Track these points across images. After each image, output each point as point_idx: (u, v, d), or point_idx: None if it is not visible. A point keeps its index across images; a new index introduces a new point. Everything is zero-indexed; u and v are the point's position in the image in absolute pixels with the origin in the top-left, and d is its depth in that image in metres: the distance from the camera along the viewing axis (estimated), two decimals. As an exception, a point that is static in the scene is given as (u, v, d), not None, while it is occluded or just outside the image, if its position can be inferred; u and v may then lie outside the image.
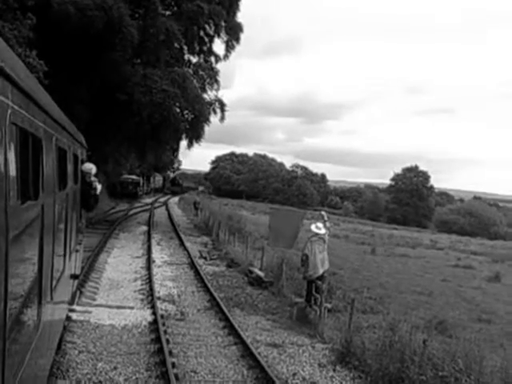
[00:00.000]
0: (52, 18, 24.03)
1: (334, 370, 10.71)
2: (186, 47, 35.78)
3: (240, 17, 37.09)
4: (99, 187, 10.02)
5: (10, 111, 2.97)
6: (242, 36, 37.17)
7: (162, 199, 76.49)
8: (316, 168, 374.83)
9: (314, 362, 11.15)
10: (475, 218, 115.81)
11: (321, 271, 14.54)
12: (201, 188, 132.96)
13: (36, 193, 4.14)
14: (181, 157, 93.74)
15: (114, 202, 56.24)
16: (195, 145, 36.07)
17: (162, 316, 13.42)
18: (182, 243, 28.37)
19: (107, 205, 47.73)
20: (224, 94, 46.09)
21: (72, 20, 24.78)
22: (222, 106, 36.67)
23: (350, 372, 10.61)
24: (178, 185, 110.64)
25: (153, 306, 14.36)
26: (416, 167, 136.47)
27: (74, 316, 12.40)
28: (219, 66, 38.39)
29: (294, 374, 10.35)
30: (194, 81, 35.01)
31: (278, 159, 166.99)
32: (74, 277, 8.93)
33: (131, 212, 48.03)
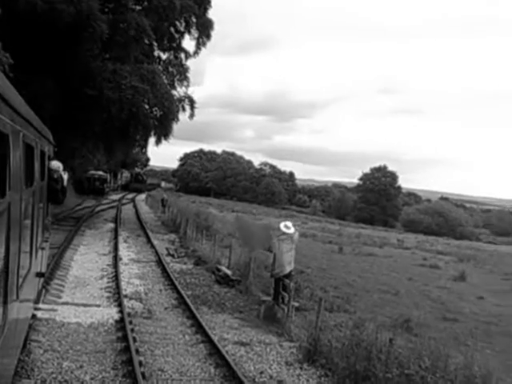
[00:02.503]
0: (19, 11, 23.61)
1: (301, 369, 10.76)
2: (155, 43, 35.57)
3: (211, 14, 37.05)
4: (66, 177, 9.89)
5: None
6: (214, 33, 37.22)
7: (130, 196, 75.97)
8: (285, 166, 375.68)
9: (282, 361, 11.18)
10: (442, 218, 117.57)
11: (287, 270, 14.60)
12: (163, 184, 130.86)
13: (3, 190, 4.07)
14: (149, 153, 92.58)
15: (81, 198, 55.71)
16: (164, 142, 35.97)
17: (128, 314, 13.32)
18: (149, 240, 28.23)
19: (73, 201, 47.21)
20: (194, 91, 46.15)
21: (40, 13, 24.38)
22: (192, 103, 36.59)
23: (316, 370, 10.66)
24: (141, 181, 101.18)
25: (119, 304, 14.26)
26: (384, 167, 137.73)
27: (39, 314, 12.21)
28: (189, 63, 38.34)
29: (261, 373, 10.36)
30: (164, 77, 34.85)
31: (247, 157, 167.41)
32: (39, 275, 8.81)
33: (98, 209, 47.64)
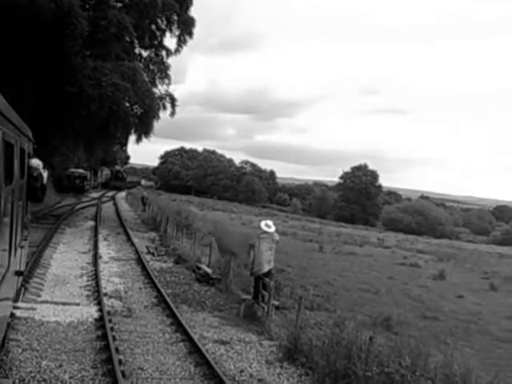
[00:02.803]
0: (0, 6, 23.41)
1: (282, 367, 10.77)
2: (136, 41, 35.44)
3: (193, 11, 37.03)
4: (45, 175, 9.81)
5: None
6: (196, 31, 37.22)
7: (110, 194, 75.58)
8: (266, 165, 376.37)
9: (262, 359, 11.18)
10: (422, 217, 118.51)
11: (266, 268, 14.61)
12: (143, 182, 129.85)
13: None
14: (129, 151, 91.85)
15: (60, 196, 55.32)
16: (144, 139, 35.86)
17: (108, 312, 13.24)
18: (129, 239, 28.09)
19: (53, 199, 46.88)
20: (175, 89, 46.06)
21: (21, 9, 24.19)
22: (173, 100, 36.53)
23: (297, 369, 10.68)
24: (121, 179, 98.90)
25: (99, 303, 14.16)
26: (365, 166, 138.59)
27: (18, 313, 12.11)
28: (171, 61, 38.28)
29: (242, 371, 10.36)
30: (145, 75, 34.75)
31: (228, 155, 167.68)
32: (18, 273, 8.73)
33: (78, 206, 47.36)
